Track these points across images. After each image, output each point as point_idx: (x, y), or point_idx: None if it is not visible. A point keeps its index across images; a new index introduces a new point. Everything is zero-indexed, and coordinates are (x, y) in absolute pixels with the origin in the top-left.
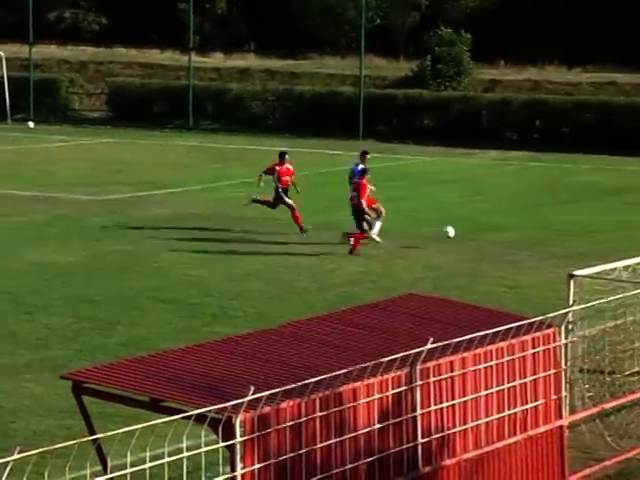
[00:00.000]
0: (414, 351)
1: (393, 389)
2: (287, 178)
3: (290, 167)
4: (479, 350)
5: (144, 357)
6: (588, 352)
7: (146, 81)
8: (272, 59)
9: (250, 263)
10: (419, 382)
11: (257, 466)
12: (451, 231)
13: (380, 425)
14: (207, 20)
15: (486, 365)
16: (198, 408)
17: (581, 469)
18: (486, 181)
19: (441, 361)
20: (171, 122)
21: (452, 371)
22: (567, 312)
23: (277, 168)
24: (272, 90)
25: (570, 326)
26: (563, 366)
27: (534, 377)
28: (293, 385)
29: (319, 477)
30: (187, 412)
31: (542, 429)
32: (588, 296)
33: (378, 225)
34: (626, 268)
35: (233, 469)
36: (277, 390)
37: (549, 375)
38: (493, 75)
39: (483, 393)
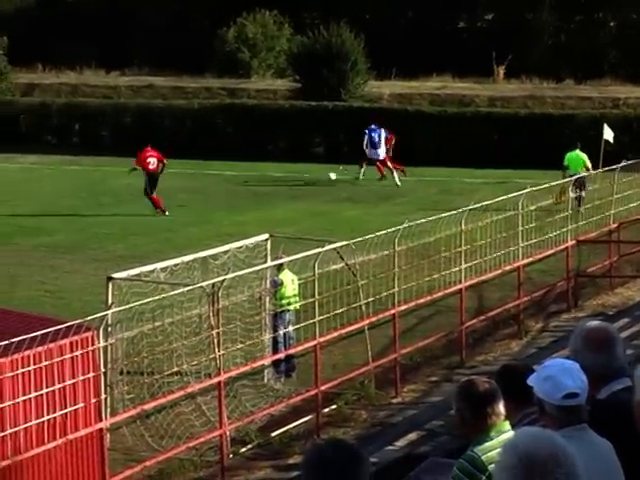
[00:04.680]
0: None
1: None
2: None
3: None
4: (16, 356)
5: None
6: (128, 354)
7: None
8: None
9: None
10: None
11: None
12: (333, 175)
13: None
14: None
15: (24, 371)
16: None
17: (122, 470)
18: (26, 186)
19: None
20: None
21: None
22: (105, 315)
23: None
24: None
25: (109, 329)
26: (102, 369)
27: (73, 381)
28: None
29: None
30: None
31: (82, 432)
32: (127, 298)
33: None
34: (164, 270)
35: None
36: None
37: (88, 378)
38: (31, 79)
39: (21, 399)
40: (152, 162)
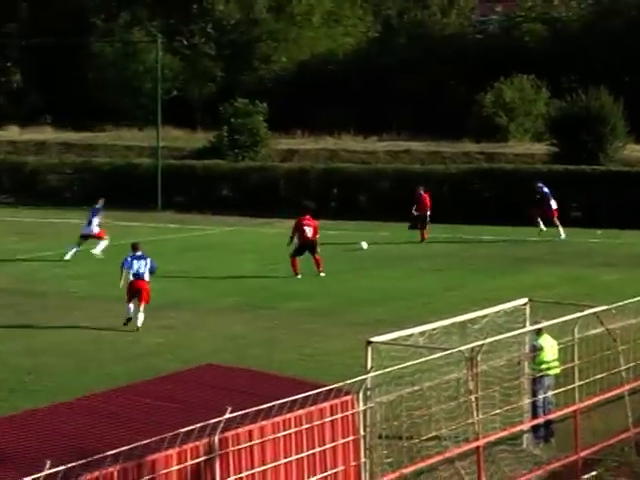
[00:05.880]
0: (212, 421)
1: (192, 460)
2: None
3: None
4: (278, 418)
5: None
6: (386, 418)
7: None
8: (69, 132)
9: (48, 336)
10: (218, 452)
11: None
12: (364, 245)
13: None
14: (1, 93)
15: (285, 433)
16: None
17: None
18: (284, 250)
19: (240, 430)
20: None
21: (251, 440)
22: (365, 379)
23: None
24: (69, 163)
25: (368, 392)
26: (362, 432)
27: (333, 444)
28: (89, 459)
29: None
30: None
31: None
32: (386, 362)
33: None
34: (422, 334)
35: None
36: (72, 465)
37: (348, 442)
38: (290, 145)
39: (283, 461)
40: (307, 230)
